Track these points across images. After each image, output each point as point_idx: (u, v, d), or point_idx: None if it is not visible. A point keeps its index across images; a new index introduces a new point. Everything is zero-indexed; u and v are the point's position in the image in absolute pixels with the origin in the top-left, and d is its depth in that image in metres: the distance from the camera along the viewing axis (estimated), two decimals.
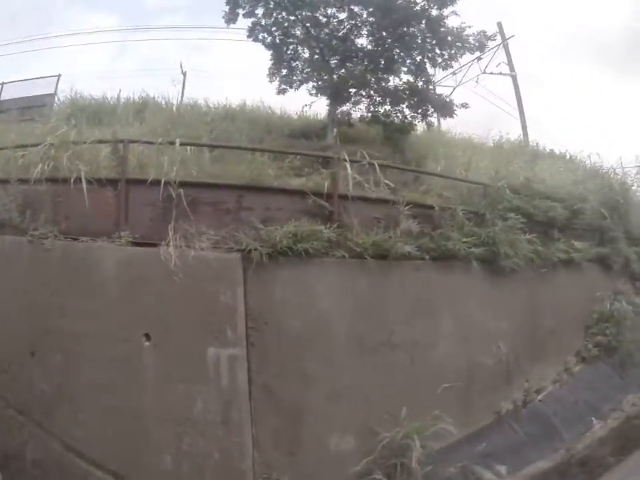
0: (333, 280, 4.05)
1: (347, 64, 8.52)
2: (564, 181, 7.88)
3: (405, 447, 3.71)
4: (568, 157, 10.65)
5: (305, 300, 3.91)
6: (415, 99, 8.52)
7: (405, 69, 8.60)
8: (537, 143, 12.72)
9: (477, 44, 8.59)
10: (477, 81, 15.76)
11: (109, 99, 11.50)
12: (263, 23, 8.50)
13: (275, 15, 8.30)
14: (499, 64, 15.06)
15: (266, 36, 8.73)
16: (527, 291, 5.99)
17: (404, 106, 8.73)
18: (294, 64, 8.94)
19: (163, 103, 11.54)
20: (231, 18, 8.48)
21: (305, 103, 9.49)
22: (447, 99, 9.02)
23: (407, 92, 8.51)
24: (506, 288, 5.57)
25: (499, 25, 15.59)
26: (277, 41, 8.66)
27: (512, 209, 5.89)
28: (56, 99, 12.22)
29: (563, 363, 6.45)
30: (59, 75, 12.62)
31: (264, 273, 3.75)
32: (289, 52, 8.87)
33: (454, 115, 8.84)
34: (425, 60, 8.50)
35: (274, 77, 9.21)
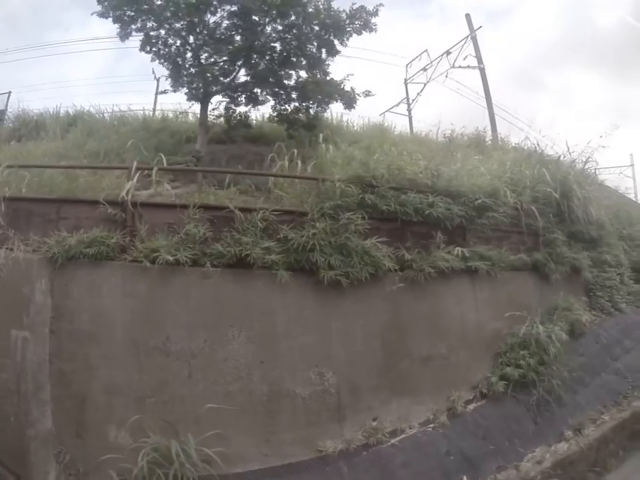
0: (116, 282, 4.23)
1: (250, 62, 8.14)
2: (484, 175, 6.46)
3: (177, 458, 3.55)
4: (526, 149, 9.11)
5: (93, 299, 4.19)
6: (314, 94, 8.16)
7: (303, 62, 8.08)
8: (503, 138, 11.40)
9: (360, 23, 7.90)
10: (446, 76, 15.68)
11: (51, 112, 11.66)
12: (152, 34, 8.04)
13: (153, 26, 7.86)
14: (466, 57, 14.61)
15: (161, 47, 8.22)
16: (380, 309, 4.88)
17: (308, 103, 8.44)
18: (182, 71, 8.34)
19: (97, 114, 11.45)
20: (124, 34, 8.00)
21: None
22: (348, 90, 8.43)
23: (306, 87, 8.15)
24: (339, 305, 4.61)
25: (467, 17, 15.24)
26: (163, 52, 8.19)
27: (360, 206, 4.80)
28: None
29: (445, 399, 5.10)
30: (9, 92, 13.05)
31: (65, 272, 4.21)
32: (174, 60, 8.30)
33: (354, 106, 8.53)
34: (320, 51, 8.01)
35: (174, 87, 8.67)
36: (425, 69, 16.53)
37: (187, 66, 8.13)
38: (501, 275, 6.01)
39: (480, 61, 14.28)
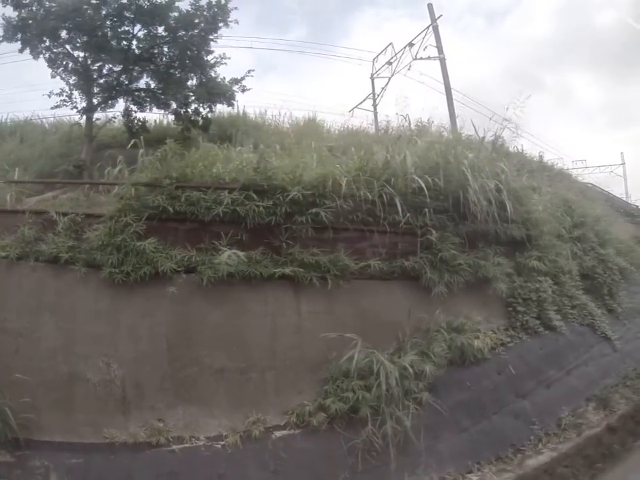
0: None
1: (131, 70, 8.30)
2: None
3: None
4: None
5: None
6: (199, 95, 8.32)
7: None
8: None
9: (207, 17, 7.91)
10: (408, 68, 15.07)
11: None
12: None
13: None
14: (426, 47, 14.02)
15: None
16: (166, 311, 4.61)
17: (198, 104, 8.58)
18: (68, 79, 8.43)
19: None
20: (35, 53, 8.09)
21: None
22: (228, 87, 8.55)
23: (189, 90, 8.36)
24: (129, 301, 4.61)
25: (430, 6, 14.56)
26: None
27: (148, 208, 4.73)
28: None
29: (243, 419, 4.29)
30: None
31: None
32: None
33: (233, 102, 8.81)
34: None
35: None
36: (389, 63, 15.80)
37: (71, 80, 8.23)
38: (350, 284, 4.98)
39: (440, 51, 13.70)
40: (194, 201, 4.64)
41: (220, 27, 8.11)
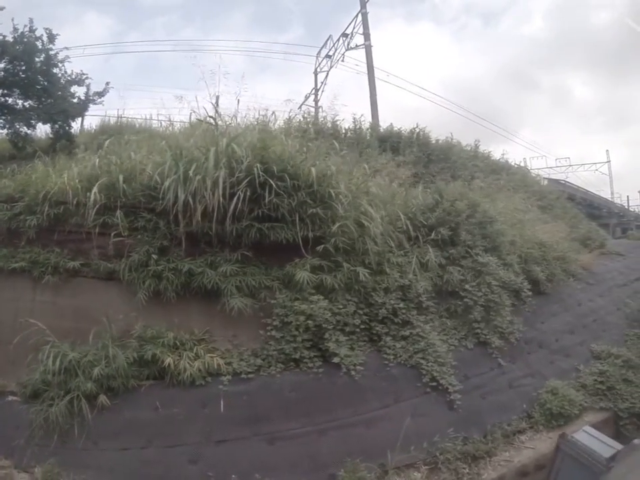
0: None
1: None
2: None
3: None
4: None
5: None
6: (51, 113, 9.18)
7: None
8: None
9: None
10: (342, 60, 14.78)
11: None
12: None
13: None
14: (354, 35, 14.08)
15: None
16: None
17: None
18: None
19: None
20: None
21: None
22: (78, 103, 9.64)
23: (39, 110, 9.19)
24: None
25: None
26: None
27: None
28: None
29: None
30: None
31: None
32: None
33: (83, 114, 10.13)
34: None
35: None
36: (328, 56, 15.27)
37: None
38: (74, 281, 5.06)
39: (367, 38, 13.64)
40: None
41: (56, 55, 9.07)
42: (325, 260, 4.81)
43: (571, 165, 27.63)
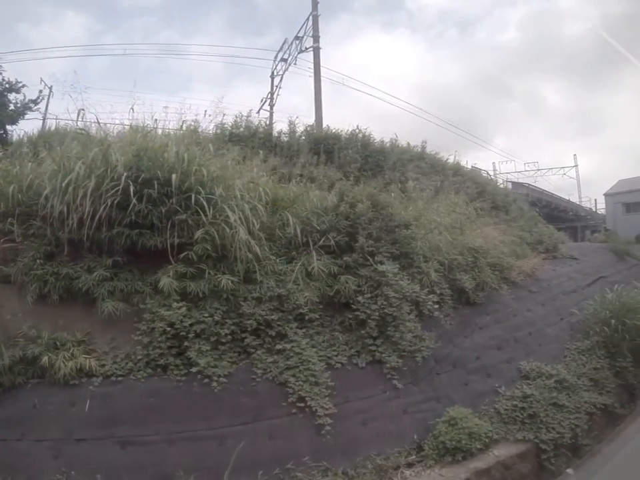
0: None
1: None
2: None
3: None
4: None
5: None
6: None
7: None
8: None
9: None
10: (295, 63, 14.69)
11: None
12: None
13: None
14: (304, 37, 14.25)
15: None
16: None
17: None
18: None
19: None
20: None
21: None
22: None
23: None
24: None
25: None
26: None
27: None
28: None
29: None
30: None
31: None
32: None
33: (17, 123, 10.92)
34: None
35: None
36: (284, 60, 15.10)
37: None
38: None
39: (316, 40, 13.60)
40: None
41: None
42: (191, 267, 4.74)
43: (539, 169, 27.88)
